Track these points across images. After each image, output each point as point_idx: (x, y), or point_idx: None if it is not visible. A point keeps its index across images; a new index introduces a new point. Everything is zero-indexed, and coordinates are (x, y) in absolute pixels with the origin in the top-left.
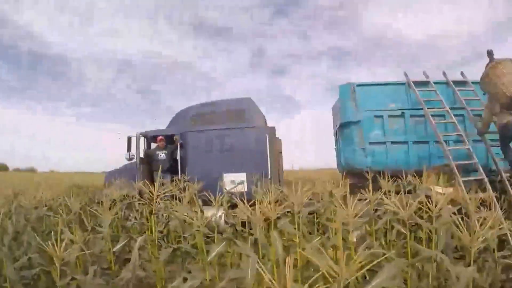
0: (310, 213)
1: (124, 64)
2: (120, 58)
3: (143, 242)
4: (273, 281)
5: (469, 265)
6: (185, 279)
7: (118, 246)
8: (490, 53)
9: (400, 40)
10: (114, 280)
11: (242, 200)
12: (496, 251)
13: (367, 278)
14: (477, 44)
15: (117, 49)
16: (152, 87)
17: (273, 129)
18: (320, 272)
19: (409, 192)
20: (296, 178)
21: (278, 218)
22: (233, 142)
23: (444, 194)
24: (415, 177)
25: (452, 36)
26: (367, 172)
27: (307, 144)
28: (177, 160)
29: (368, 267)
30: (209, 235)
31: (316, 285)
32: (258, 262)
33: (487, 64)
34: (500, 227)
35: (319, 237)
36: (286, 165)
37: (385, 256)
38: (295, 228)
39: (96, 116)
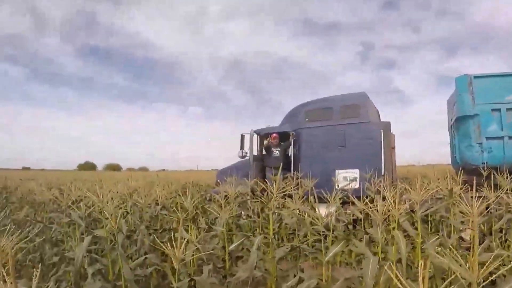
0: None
1: (233, 65)
2: (230, 59)
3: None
4: (402, 281)
5: None
6: (300, 279)
7: (233, 245)
8: None
9: None
10: (230, 279)
11: (357, 197)
12: None
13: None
14: None
15: (226, 51)
16: (260, 86)
17: (388, 124)
18: (453, 276)
19: None
20: (407, 174)
21: None
22: (347, 138)
23: None
24: None
25: None
26: (483, 169)
27: (418, 138)
28: (289, 157)
29: (502, 271)
30: (323, 233)
31: None
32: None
33: None
34: None
35: (438, 237)
36: (398, 161)
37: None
38: (415, 228)
39: (207, 115)
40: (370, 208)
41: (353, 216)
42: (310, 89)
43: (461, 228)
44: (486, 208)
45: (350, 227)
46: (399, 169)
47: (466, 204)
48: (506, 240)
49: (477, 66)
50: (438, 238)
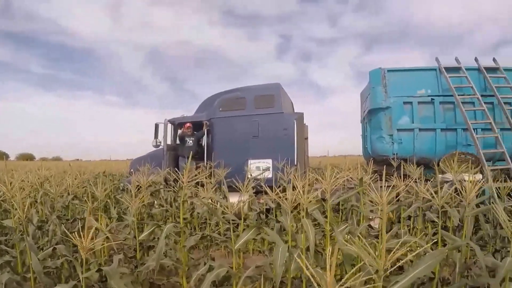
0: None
1: (154, 53)
2: (150, 48)
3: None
4: (310, 269)
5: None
6: (211, 267)
7: (144, 234)
8: None
9: (431, 24)
10: (140, 268)
11: (269, 187)
12: None
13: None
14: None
15: (146, 39)
16: (180, 75)
17: (301, 115)
18: (361, 263)
19: (427, 180)
20: (319, 164)
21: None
22: (260, 128)
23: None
24: (438, 165)
25: (489, 20)
26: (393, 159)
27: (333, 130)
28: (203, 147)
29: (409, 257)
30: (234, 222)
31: (355, 276)
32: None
33: None
34: None
35: (347, 225)
36: (311, 152)
37: (422, 246)
38: (325, 216)
39: (125, 104)
40: (280, 197)
41: (266, 205)
42: (230, 79)
43: (370, 217)
44: (396, 197)
45: (263, 216)
46: (312, 159)
47: (376, 193)
48: (414, 228)
49: (394, 61)
50: (347, 226)
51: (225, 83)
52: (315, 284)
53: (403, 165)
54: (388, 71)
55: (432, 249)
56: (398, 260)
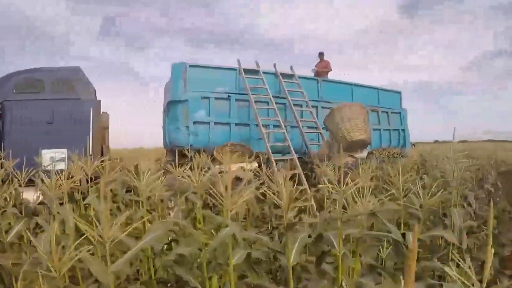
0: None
1: None
2: None
3: None
4: None
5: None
6: None
7: None
8: (321, 54)
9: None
10: None
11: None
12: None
13: None
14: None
15: None
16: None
17: (98, 103)
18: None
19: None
20: (124, 156)
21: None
22: (56, 114)
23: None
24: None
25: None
26: (187, 150)
27: (146, 121)
28: None
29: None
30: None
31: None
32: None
33: (317, 64)
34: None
35: (127, 211)
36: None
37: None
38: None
39: None
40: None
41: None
42: (43, 57)
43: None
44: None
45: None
46: (122, 152)
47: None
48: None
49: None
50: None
51: (47, 61)
52: None
53: (195, 156)
54: (190, 66)
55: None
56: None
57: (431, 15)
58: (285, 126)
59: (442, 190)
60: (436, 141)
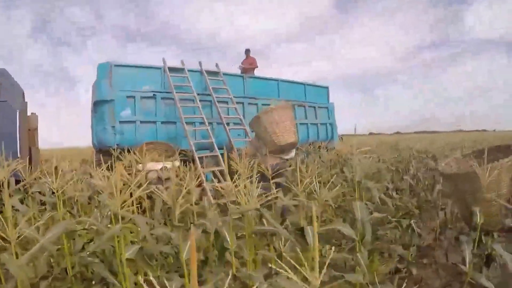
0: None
1: None
2: None
3: None
4: None
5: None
6: None
7: None
8: (247, 51)
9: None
10: None
11: None
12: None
13: None
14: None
15: None
16: None
17: (25, 104)
18: None
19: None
20: (48, 156)
21: None
22: None
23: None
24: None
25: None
26: (114, 150)
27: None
28: None
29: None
30: None
31: None
32: None
33: (243, 61)
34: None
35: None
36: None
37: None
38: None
39: None
40: None
41: None
42: None
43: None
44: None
45: None
46: (47, 152)
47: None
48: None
49: (155, 58)
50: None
51: None
52: None
53: (120, 155)
54: (115, 66)
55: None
56: None
57: (367, 9)
58: (212, 123)
59: (342, 184)
60: (371, 133)
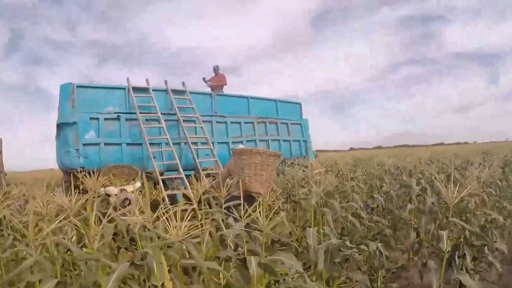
0: None
1: None
2: None
3: None
4: None
5: None
6: None
7: None
8: (216, 68)
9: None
10: None
11: None
12: None
13: None
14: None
15: None
16: None
17: None
18: None
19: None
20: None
21: None
22: None
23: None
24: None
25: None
26: (79, 172)
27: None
28: None
29: None
30: None
31: None
32: None
33: (212, 78)
34: None
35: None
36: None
37: None
38: None
39: None
40: None
41: None
42: None
43: None
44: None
45: None
46: (24, 175)
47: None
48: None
49: (129, 75)
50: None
51: None
52: None
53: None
54: (78, 86)
55: None
56: None
57: (343, 26)
58: (180, 143)
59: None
60: (351, 148)
